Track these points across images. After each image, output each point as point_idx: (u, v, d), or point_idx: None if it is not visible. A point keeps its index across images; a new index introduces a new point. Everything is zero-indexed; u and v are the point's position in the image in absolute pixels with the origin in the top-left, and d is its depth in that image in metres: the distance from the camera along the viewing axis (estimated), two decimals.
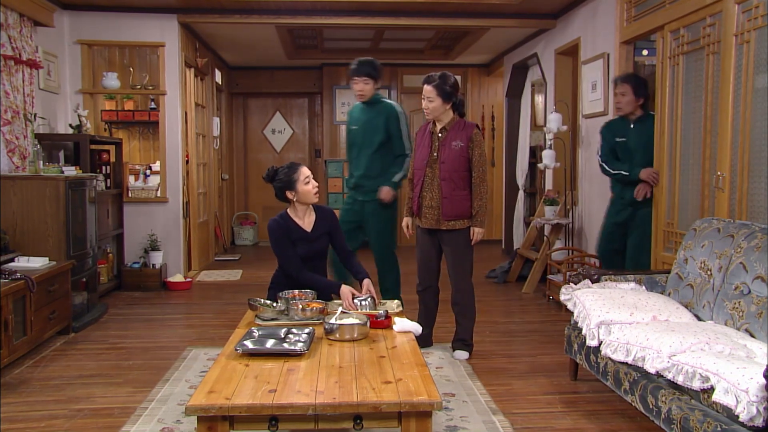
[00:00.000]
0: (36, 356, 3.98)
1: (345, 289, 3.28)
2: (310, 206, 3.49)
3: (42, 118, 5.37)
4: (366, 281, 3.45)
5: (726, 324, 2.82)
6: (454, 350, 4.03)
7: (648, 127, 4.42)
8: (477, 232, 3.90)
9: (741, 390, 2.07)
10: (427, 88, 3.86)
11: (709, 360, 2.30)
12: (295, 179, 3.38)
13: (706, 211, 3.88)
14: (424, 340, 4.04)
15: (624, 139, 4.47)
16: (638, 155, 4.42)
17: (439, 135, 3.91)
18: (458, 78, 9.26)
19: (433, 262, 4.05)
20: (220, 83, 8.64)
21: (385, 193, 4.43)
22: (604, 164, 4.60)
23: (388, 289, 4.53)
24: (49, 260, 4.31)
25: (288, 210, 3.46)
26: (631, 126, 4.47)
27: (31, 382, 3.53)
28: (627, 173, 4.43)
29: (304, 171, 3.41)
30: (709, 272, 3.06)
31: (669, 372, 2.45)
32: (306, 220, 3.46)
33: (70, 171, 4.83)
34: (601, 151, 4.64)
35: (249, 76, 9.41)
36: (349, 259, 3.61)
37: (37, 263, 4.19)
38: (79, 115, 5.61)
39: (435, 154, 3.90)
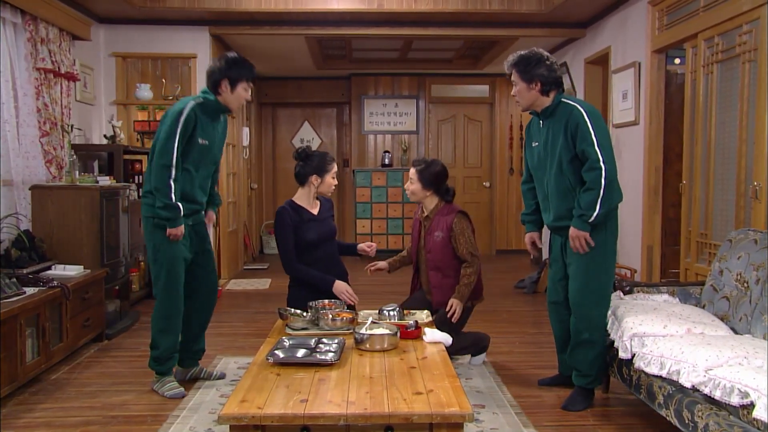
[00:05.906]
0: (71, 362, 4.05)
1: (340, 286, 3.39)
2: (317, 197, 3.70)
3: (78, 129, 5.50)
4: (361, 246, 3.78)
5: (764, 338, 2.76)
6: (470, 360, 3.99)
7: (559, 121, 3.13)
8: (455, 303, 3.65)
9: None
10: (411, 170, 3.82)
11: (748, 375, 2.25)
12: (327, 169, 3.61)
13: (741, 222, 3.81)
14: None
15: (537, 144, 3.33)
16: (546, 168, 3.24)
17: (425, 224, 3.87)
18: (487, 87, 9.24)
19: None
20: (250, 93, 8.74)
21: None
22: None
23: None
24: (84, 268, 4.39)
25: (295, 198, 3.66)
26: (540, 124, 3.29)
27: (67, 388, 3.60)
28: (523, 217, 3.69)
29: (335, 166, 3.67)
30: (745, 285, 2.99)
31: (705, 386, 2.40)
32: (313, 206, 3.68)
33: (105, 181, 4.93)
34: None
35: (278, 86, 9.52)
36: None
37: (72, 271, 4.27)
38: (113, 126, 5.73)
39: (422, 242, 3.86)
